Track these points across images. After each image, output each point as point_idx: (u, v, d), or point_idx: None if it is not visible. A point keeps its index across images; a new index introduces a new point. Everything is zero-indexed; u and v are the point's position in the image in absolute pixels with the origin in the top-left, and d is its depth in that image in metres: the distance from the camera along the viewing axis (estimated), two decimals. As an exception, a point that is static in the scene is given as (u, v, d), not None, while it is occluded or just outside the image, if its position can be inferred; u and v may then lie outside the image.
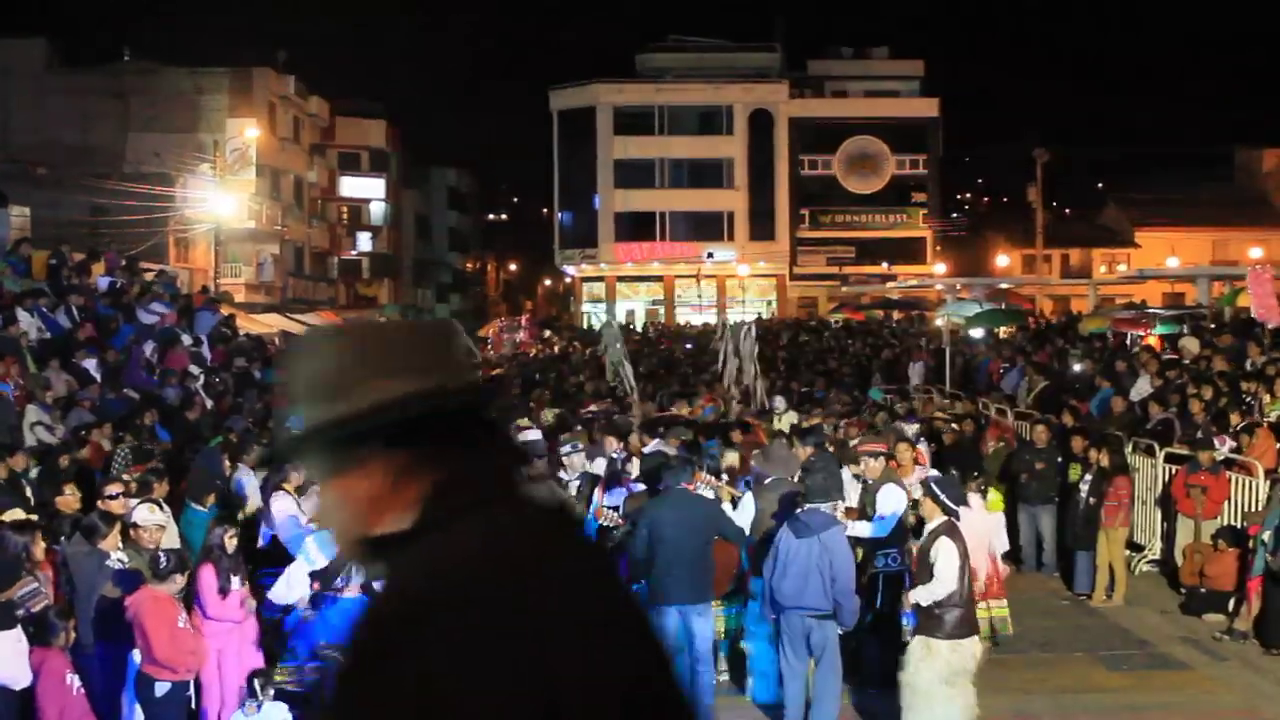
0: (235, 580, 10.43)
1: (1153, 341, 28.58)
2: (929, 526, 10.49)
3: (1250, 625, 14.21)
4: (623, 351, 23.60)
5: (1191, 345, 25.52)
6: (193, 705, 9.76)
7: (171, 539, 11.60)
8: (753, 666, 11.93)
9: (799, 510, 10.95)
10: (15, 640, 8.93)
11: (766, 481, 12.35)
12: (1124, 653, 13.96)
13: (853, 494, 12.82)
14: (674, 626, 10.98)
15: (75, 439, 16.44)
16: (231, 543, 10.50)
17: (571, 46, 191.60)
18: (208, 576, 10.28)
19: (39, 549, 10.10)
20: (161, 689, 9.28)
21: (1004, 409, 22.12)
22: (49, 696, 9.01)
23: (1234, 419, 18.12)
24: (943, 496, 10.41)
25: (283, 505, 12.41)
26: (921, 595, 10.21)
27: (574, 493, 13.03)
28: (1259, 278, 25.39)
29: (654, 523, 10.96)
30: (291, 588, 10.89)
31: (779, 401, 20.67)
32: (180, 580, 9.71)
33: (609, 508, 12.23)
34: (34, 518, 11.16)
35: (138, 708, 9.53)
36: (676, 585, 10.91)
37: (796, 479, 12.11)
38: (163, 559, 9.84)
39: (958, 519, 10.42)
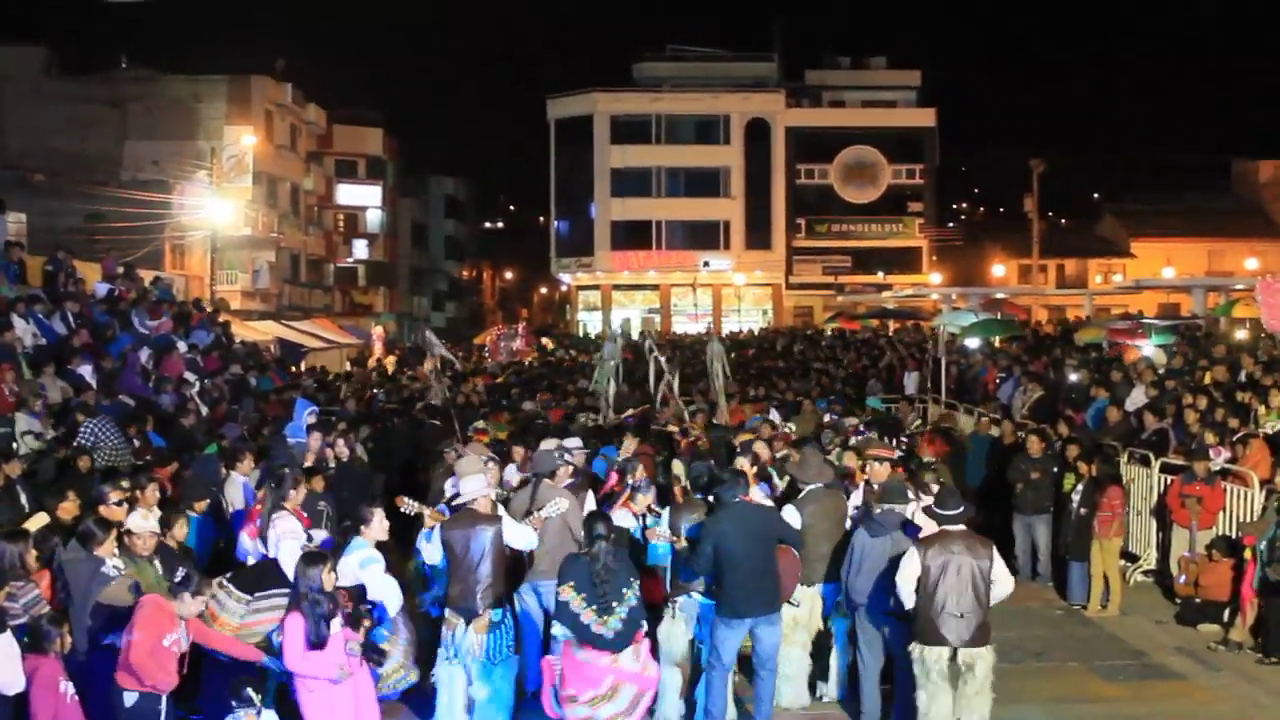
0: (335, 624, 9.64)
1: (1149, 352, 28.55)
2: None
3: (1245, 635, 14.22)
4: (615, 369, 23.52)
5: (1159, 357, 25.52)
6: None
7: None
8: (784, 672, 11.99)
9: (876, 510, 11.24)
10: (8, 646, 8.89)
11: (805, 491, 12.39)
12: (1119, 663, 13.99)
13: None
14: (739, 639, 11.12)
15: (70, 446, 16.39)
16: (330, 580, 9.68)
17: (569, 55, 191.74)
18: (295, 626, 9.54)
19: (31, 556, 10.08)
20: (130, 698, 9.19)
21: (997, 419, 22.11)
22: (42, 703, 8.99)
23: (1233, 424, 18.16)
24: (933, 507, 10.53)
25: (288, 526, 11.80)
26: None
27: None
28: (1270, 288, 25.13)
29: (719, 537, 10.95)
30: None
31: (773, 415, 20.55)
32: (191, 602, 9.52)
33: (651, 524, 12.21)
34: (31, 525, 11.11)
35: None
36: (750, 599, 10.99)
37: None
38: (179, 574, 9.74)
39: (944, 525, 10.45)
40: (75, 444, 16.04)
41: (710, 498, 11.99)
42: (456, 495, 11.95)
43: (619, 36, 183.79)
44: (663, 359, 23.72)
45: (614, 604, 9.95)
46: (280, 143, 66.37)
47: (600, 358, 24.33)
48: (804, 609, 12.03)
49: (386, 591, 10.66)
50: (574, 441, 14.96)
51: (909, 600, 10.35)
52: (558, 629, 10.18)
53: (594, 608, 9.91)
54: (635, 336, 55.84)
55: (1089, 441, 18.13)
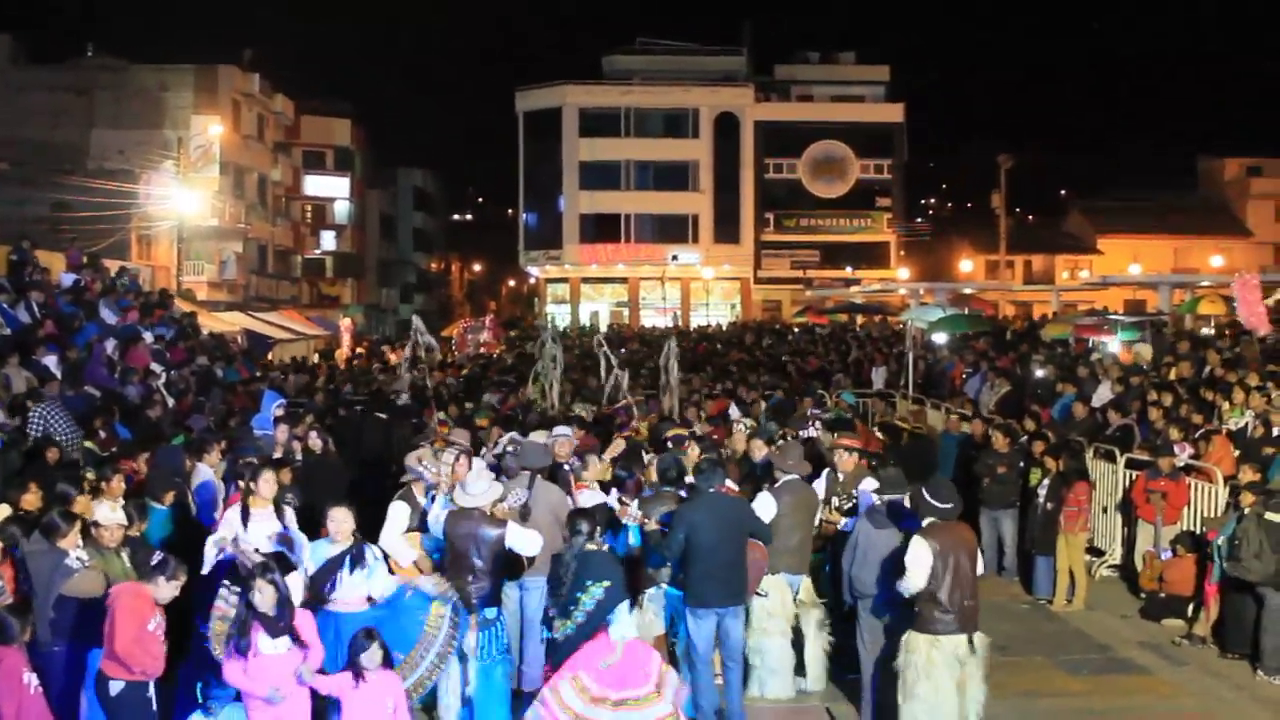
0: (276, 644, 9.19)
1: (1115, 348, 28.70)
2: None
3: (1209, 630, 14.31)
4: (556, 373, 23.52)
5: (1145, 352, 25.62)
6: (154, 707, 9.57)
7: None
8: (763, 663, 12.09)
9: (878, 501, 11.36)
10: (-29, 638, 8.84)
11: (782, 481, 12.40)
12: (1083, 657, 14.04)
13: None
14: (710, 629, 11.11)
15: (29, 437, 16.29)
16: (267, 596, 9.17)
17: (538, 48, 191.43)
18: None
19: (-3, 549, 10.01)
20: (116, 687, 9.17)
21: (967, 414, 22.18)
22: (6, 695, 8.91)
23: (1197, 419, 18.27)
24: (928, 498, 10.52)
25: (227, 516, 11.64)
26: (900, 585, 10.45)
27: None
28: (1246, 285, 25.20)
29: (692, 526, 10.97)
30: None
31: (733, 410, 20.43)
32: (165, 585, 9.44)
33: (621, 503, 12.14)
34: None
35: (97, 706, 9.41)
36: (715, 589, 11.03)
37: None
38: (156, 558, 9.65)
39: (942, 517, 10.51)
40: (27, 432, 15.97)
41: (680, 490, 12.02)
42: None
43: (589, 30, 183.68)
44: (613, 356, 23.70)
45: (570, 607, 9.74)
46: (247, 133, 66.13)
47: (540, 353, 24.31)
48: (774, 599, 12.06)
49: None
50: (563, 429, 14.93)
51: (916, 589, 10.33)
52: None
53: (555, 610, 9.71)
54: (604, 329, 55.90)
55: (1056, 436, 18.21)
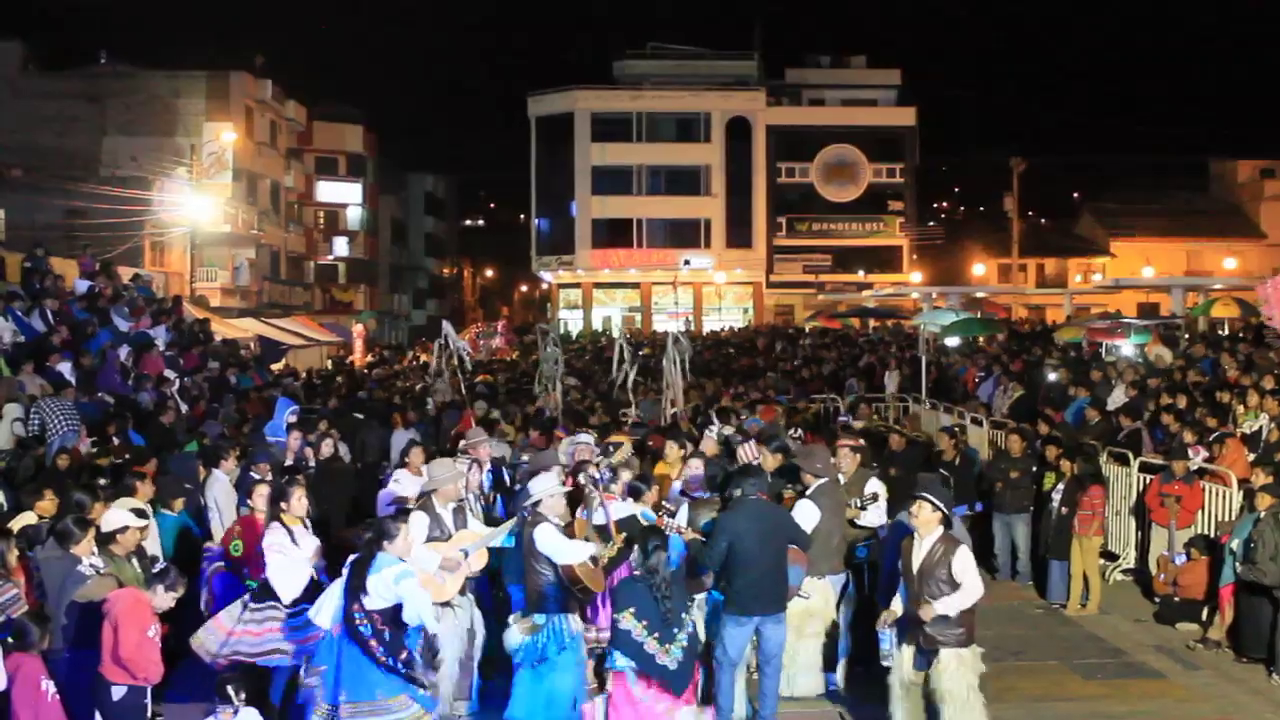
0: None
1: (1128, 352, 28.66)
2: (930, 537, 10.36)
3: (1224, 634, 14.27)
4: (558, 371, 23.62)
5: (1165, 355, 25.55)
6: (148, 714, 9.58)
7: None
8: (794, 662, 12.03)
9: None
10: (-10, 646, 8.87)
11: (815, 486, 12.34)
12: (1098, 661, 14.01)
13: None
14: (747, 637, 11.07)
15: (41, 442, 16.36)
16: None
17: (550, 53, 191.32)
18: None
19: (13, 555, 10.03)
20: (118, 693, 9.19)
21: (979, 418, 22.14)
22: (23, 701, 8.95)
23: (1212, 423, 18.24)
24: (942, 505, 10.43)
25: (275, 539, 10.96)
26: (950, 606, 10.15)
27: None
28: (1279, 286, 25.00)
29: (734, 535, 10.87)
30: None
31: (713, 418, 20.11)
32: (164, 595, 9.50)
33: (665, 514, 12.10)
34: (16, 524, 11.05)
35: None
36: (759, 597, 10.96)
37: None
38: (158, 566, 9.69)
39: (950, 527, 10.47)
40: (29, 428, 16.11)
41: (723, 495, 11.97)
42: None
43: (601, 34, 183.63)
44: (628, 357, 23.71)
45: (675, 630, 9.69)
46: (260, 139, 66.23)
47: (543, 358, 24.39)
48: (817, 600, 12.06)
49: (424, 607, 9.49)
50: (584, 436, 14.87)
51: (976, 599, 10.24)
52: (620, 660, 9.76)
53: (656, 635, 9.59)
54: (616, 333, 55.96)
55: (1070, 440, 18.17)
